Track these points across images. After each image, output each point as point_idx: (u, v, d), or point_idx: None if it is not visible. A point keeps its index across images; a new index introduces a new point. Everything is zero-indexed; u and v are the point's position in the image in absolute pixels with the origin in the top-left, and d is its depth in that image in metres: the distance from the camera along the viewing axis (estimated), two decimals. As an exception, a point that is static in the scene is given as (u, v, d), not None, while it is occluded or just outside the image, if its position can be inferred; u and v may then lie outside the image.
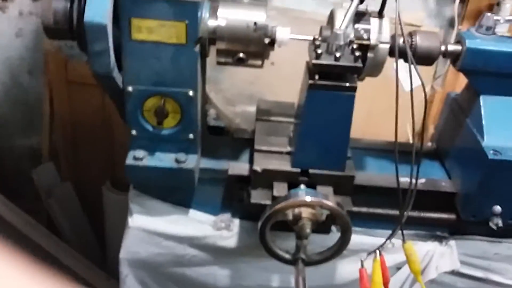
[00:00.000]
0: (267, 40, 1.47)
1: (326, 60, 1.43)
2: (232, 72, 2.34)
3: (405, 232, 1.60)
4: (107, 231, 2.73)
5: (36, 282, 0.64)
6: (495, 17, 1.60)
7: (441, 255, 1.80)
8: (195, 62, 1.44)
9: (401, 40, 1.51)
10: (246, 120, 2.35)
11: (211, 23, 1.45)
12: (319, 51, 1.43)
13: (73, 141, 2.64)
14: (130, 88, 1.46)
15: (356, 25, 1.53)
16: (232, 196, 1.73)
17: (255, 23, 1.44)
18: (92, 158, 2.68)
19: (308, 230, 1.49)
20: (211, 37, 1.46)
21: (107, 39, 1.32)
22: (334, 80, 1.46)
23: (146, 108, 1.50)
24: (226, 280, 1.86)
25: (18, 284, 0.62)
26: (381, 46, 1.53)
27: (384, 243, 1.61)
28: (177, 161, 1.55)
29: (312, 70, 1.45)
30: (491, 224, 1.65)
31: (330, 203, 1.47)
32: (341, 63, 1.42)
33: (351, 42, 1.48)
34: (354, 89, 1.46)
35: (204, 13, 1.43)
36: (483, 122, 1.63)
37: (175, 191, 1.69)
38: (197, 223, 1.74)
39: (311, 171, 1.59)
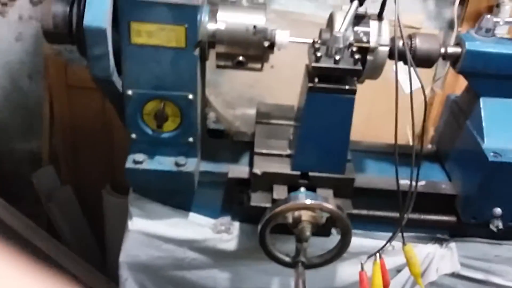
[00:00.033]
0: (266, 43, 1.47)
1: (325, 63, 1.43)
2: (231, 75, 2.34)
3: (405, 234, 1.60)
4: (107, 235, 2.73)
5: (36, 285, 0.64)
6: (495, 19, 1.60)
7: (441, 257, 1.80)
8: (194, 65, 1.44)
9: (400, 43, 1.51)
10: (246, 123, 2.35)
11: (211, 26, 1.45)
12: (318, 54, 1.43)
13: (73, 145, 2.64)
14: (129, 92, 1.46)
15: (356, 28, 1.53)
16: (232, 199, 1.73)
17: (254, 26, 1.44)
18: (92, 162, 2.68)
19: (308, 233, 1.49)
20: (211, 40, 1.46)
21: (106, 43, 1.32)
22: (333, 83, 1.45)
23: (146, 112, 1.50)
24: (226, 283, 1.86)
25: (18, 286, 0.62)
26: (381, 48, 1.53)
27: (384, 246, 1.61)
28: (176, 164, 1.55)
29: (312, 73, 1.45)
30: (491, 226, 1.65)
31: (330, 206, 1.47)
32: (340, 66, 1.42)
33: (350, 45, 1.48)
34: (353, 92, 1.46)
35: (204, 17, 1.43)
36: (483, 124, 1.63)
37: (175, 194, 1.69)
38: (197, 226, 1.74)
39: (311, 173, 1.59)
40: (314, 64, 1.43)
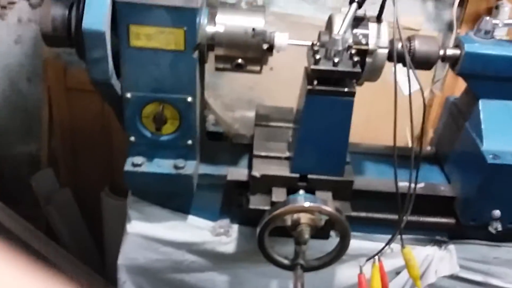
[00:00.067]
0: (265, 46, 1.47)
1: (324, 66, 1.43)
2: (231, 77, 2.34)
3: (404, 236, 1.60)
4: (106, 237, 2.73)
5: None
6: (494, 21, 1.60)
7: (440, 259, 1.80)
8: (193, 68, 1.43)
9: (399, 45, 1.51)
10: (245, 125, 2.35)
11: (210, 29, 1.45)
12: (317, 56, 1.42)
13: (72, 147, 2.64)
14: (128, 95, 1.46)
15: (355, 30, 1.53)
16: (231, 202, 1.73)
17: (253, 29, 1.44)
18: (91, 164, 2.68)
19: (307, 236, 1.49)
20: (210, 43, 1.46)
21: (105, 46, 1.32)
22: (332, 85, 1.45)
23: (145, 115, 1.50)
24: (225, 286, 1.85)
25: (16, 289, 0.62)
26: (380, 51, 1.53)
27: (383, 249, 1.61)
28: (175, 167, 1.55)
29: (311, 75, 1.45)
30: (490, 228, 1.65)
31: (328, 208, 1.47)
32: (339, 68, 1.42)
33: (349, 47, 1.48)
34: (352, 94, 1.46)
35: (203, 20, 1.43)
36: (482, 126, 1.62)
37: (174, 197, 1.69)
38: (195, 229, 1.73)
39: (310, 176, 1.59)
40: (313, 67, 1.42)
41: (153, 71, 1.42)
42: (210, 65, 1.54)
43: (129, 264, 1.78)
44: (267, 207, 1.55)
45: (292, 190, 1.58)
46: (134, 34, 1.35)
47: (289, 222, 1.51)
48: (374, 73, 1.57)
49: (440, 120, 1.99)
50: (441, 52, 1.57)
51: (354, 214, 1.59)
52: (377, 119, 2.25)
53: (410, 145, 2.22)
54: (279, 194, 1.57)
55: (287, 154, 1.65)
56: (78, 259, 2.60)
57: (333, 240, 1.61)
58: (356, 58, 1.44)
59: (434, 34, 2.35)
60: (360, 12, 1.52)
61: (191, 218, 1.73)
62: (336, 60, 1.41)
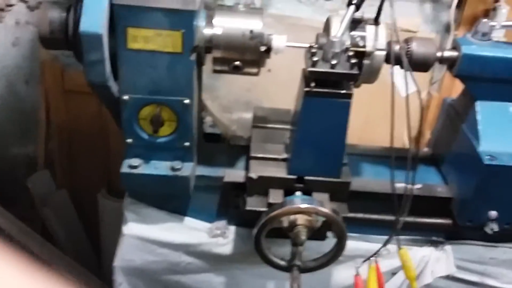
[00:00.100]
0: (263, 48, 1.47)
1: (322, 68, 1.43)
2: (228, 79, 2.33)
3: (401, 237, 1.60)
4: (103, 239, 2.72)
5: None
6: (491, 23, 1.60)
7: (436, 260, 1.80)
8: (191, 70, 1.44)
9: (397, 47, 1.51)
10: (243, 127, 2.35)
11: (207, 31, 1.45)
12: (315, 58, 1.43)
13: (69, 149, 2.63)
14: (125, 97, 1.46)
15: (352, 32, 1.53)
16: (228, 203, 1.73)
17: (251, 31, 1.44)
18: (88, 166, 2.67)
19: (303, 237, 1.49)
20: (207, 45, 1.46)
21: (102, 49, 1.31)
22: (330, 87, 1.46)
23: (142, 117, 1.49)
24: (222, 287, 1.85)
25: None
26: (377, 53, 1.53)
27: (379, 250, 1.61)
28: (172, 169, 1.55)
29: (308, 77, 1.46)
30: (486, 229, 1.65)
31: (325, 210, 1.47)
32: (337, 70, 1.42)
33: (347, 49, 1.48)
34: (350, 96, 1.46)
35: (200, 22, 1.43)
36: (479, 127, 1.63)
37: (171, 198, 1.69)
38: (192, 231, 1.73)
39: (307, 177, 1.59)
40: (310, 69, 1.43)
41: (150, 73, 1.42)
42: (207, 67, 1.54)
43: (126, 265, 1.78)
44: (264, 209, 1.55)
45: (289, 191, 1.58)
46: (131, 36, 1.35)
47: (286, 224, 1.51)
48: (371, 75, 1.57)
49: (437, 122, 1.99)
50: (439, 54, 1.57)
51: (351, 215, 1.59)
52: (374, 120, 2.26)
53: (407, 146, 2.23)
54: (276, 196, 1.57)
55: (284, 155, 1.65)
56: (75, 260, 2.59)
57: (330, 241, 1.61)
58: (353, 60, 1.44)
59: (432, 36, 2.35)
60: (358, 14, 1.52)
61: (188, 220, 1.73)
62: (333, 62, 1.41)
